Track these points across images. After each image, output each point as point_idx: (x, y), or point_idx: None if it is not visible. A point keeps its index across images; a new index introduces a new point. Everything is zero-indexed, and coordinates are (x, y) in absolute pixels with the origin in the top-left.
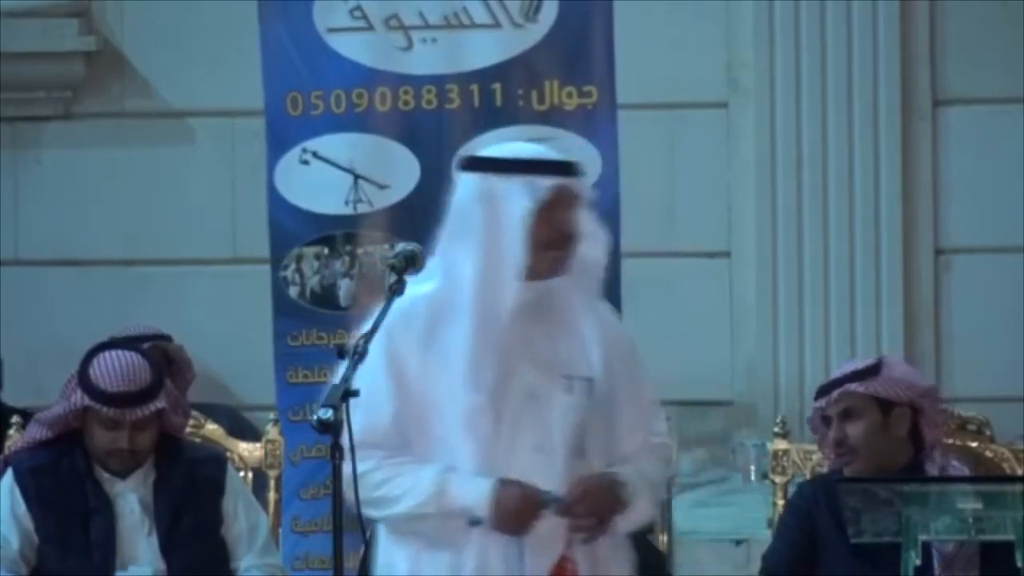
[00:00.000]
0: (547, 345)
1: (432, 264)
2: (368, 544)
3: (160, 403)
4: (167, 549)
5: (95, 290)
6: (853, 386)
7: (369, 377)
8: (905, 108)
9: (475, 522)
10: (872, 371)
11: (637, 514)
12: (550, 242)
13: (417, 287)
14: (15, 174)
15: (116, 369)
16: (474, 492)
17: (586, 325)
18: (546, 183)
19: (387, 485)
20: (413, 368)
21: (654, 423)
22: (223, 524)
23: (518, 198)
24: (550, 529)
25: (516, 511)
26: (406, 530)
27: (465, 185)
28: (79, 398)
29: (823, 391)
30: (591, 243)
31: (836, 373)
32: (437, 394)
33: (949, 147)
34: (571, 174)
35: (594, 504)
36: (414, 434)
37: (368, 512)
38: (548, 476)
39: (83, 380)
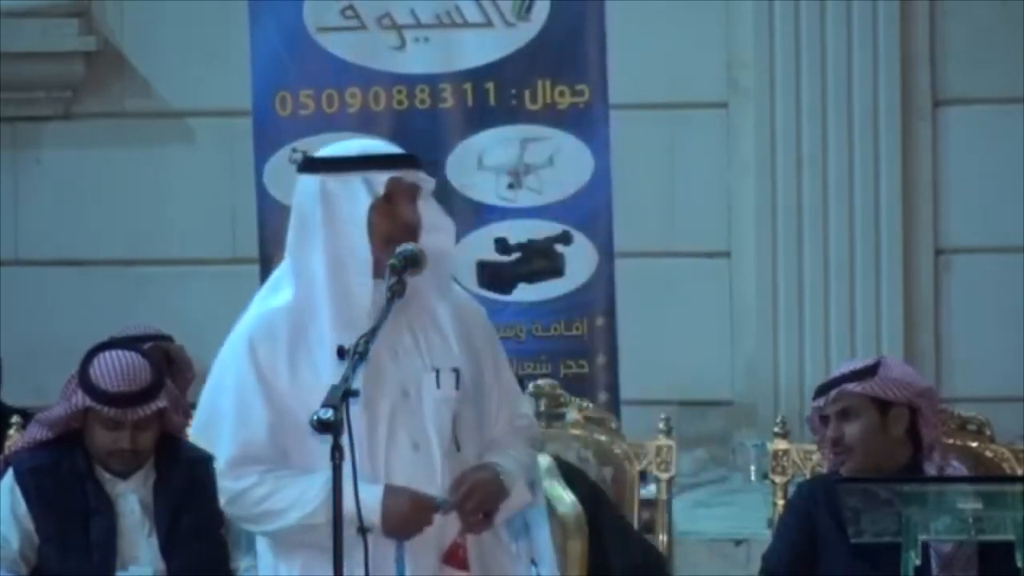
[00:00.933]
0: (410, 341)
1: (282, 271)
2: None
3: (161, 403)
4: (167, 549)
5: (95, 290)
6: (850, 386)
7: (239, 394)
8: (905, 108)
9: (364, 529)
10: (870, 371)
11: (515, 500)
12: (393, 236)
13: (272, 298)
14: (15, 174)
15: (116, 369)
16: (363, 499)
17: (444, 316)
18: (382, 177)
19: (271, 499)
20: (283, 380)
21: (518, 404)
22: (223, 524)
23: (356, 194)
24: (433, 528)
25: (407, 517)
26: (295, 542)
27: (304, 187)
28: (80, 399)
29: (821, 390)
30: (437, 233)
31: (835, 373)
32: (311, 402)
33: (949, 147)
34: (409, 166)
35: (483, 498)
36: (291, 445)
37: (250, 528)
38: (428, 473)
39: (83, 381)
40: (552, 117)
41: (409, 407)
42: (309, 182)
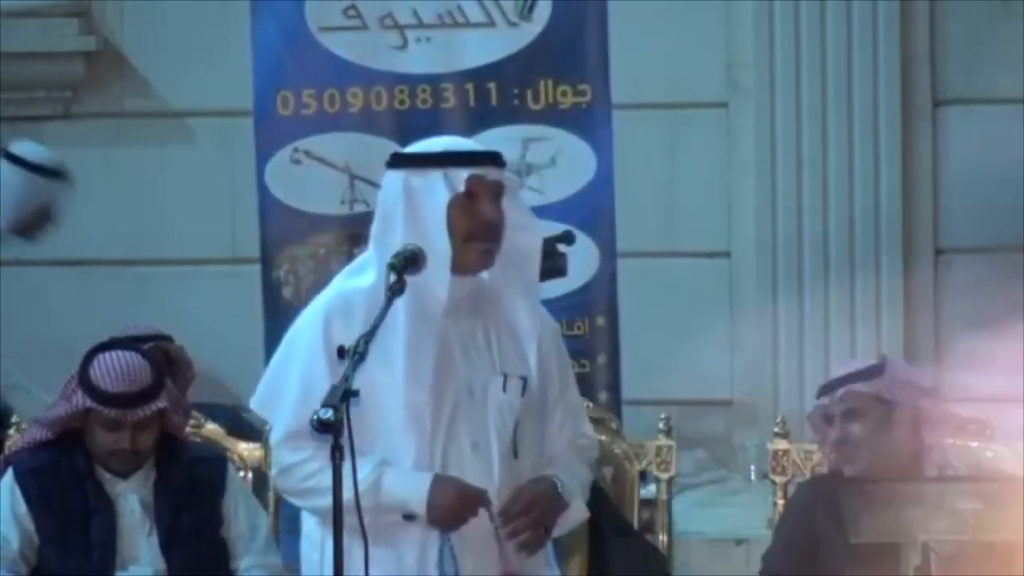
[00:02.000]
0: (483, 342)
1: (366, 257)
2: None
3: (161, 403)
4: (167, 549)
5: (95, 290)
6: (857, 386)
7: (307, 369)
8: (905, 108)
9: (409, 517)
10: (876, 371)
11: (572, 514)
12: (473, 233)
13: (354, 279)
14: None
15: (117, 370)
16: (410, 487)
17: (521, 322)
18: (463, 174)
19: (319, 475)
20: None
21: (581, 424)
22: (223, 524)
23: (435, 190)
24: (484, 526)
25: (452, 508)
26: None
27: (389, 182)
28: (80, 400)
29: (826, 389)
30: (523, 232)
31: (839, 371)
32: (376, 388)
33: (949, 147)
34: (492, 164)
35: (543, 512)
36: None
37: (295, 502)
38: (485, 474)
39: (84, 381)
40: (554, 117)
41: (473, 406)
42: (393, 177)
